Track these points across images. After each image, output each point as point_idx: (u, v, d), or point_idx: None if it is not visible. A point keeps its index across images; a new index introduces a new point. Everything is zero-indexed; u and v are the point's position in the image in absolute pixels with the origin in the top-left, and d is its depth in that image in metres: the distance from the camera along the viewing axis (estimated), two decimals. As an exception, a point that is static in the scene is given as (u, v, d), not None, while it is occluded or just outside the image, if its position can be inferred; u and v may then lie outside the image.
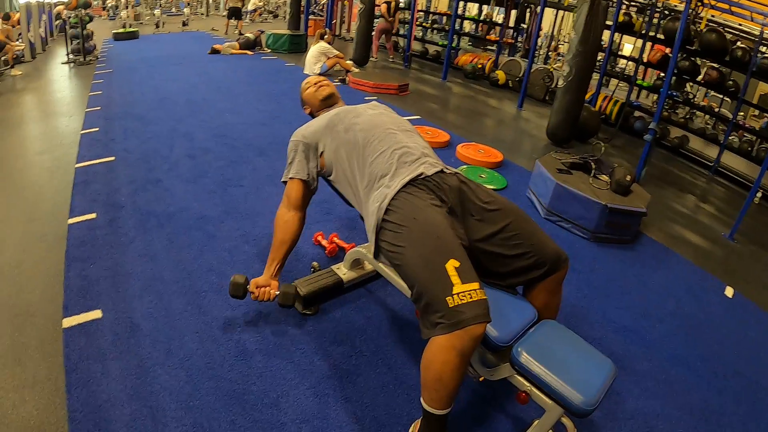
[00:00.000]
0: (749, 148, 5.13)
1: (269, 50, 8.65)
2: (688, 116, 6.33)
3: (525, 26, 9.22)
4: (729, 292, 2.62)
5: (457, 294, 1.20)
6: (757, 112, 7.38)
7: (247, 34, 8.67)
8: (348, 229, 2.63)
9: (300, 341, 1.81)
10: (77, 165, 3.22)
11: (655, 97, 6.52)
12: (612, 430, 1.61)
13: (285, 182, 1.84)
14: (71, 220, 2.51)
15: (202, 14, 15.43)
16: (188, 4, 15.08)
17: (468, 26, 10.97)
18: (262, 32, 8.93)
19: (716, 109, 6.43)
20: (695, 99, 6.82)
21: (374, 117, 1.72)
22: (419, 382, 1.29)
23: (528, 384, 1.36)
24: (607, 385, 1.32)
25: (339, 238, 2.44)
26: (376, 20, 8.25)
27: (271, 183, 3.10)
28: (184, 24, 11.96)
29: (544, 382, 1.30)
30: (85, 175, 3.08)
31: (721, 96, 6.35)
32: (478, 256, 1.47)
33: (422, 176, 1.50)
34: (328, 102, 1.97)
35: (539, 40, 10.03)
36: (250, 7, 14.21)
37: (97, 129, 3.96)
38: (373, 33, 8.13)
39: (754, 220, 3.74)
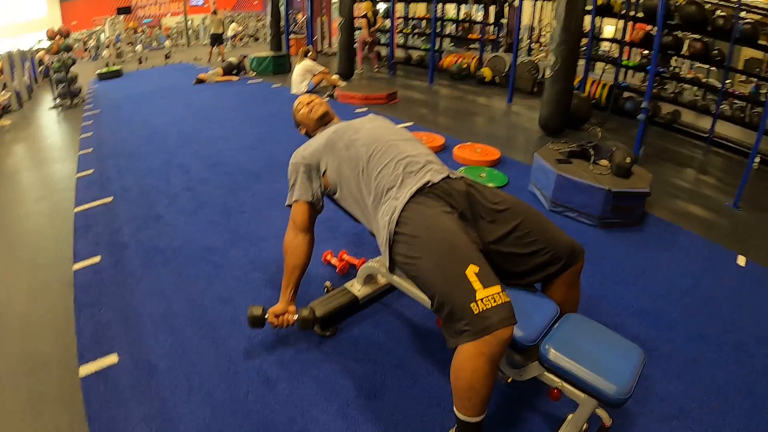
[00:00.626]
0: (742, 115, 5.14)
1: (254, 74, 8.68)
2: (677, 90, 6.35)
3: (504, 21, 9.27)
4: (741, 261, 2.60)
5: (481, 299, 1.18)
6: (744, 78, 7.39)
7: (229, 59, 8.70)
8: (356, 245, 2.60)
9: (322, 363, 1.78)
10: (76, 209, 3.20)
11: (642, 75, 6.54)
12: (646, 415, 1.59)
13: (290, 206, 1.83)
14: (76, 266, 2.49)
15: (183, 45, 15.52)
16: (168, 36, 15.18)
17: (449, 27, 11.03)
18: (245, 56, 8.96)
19: (704, 80, 6.44)
20: (681, 72, 6.84)
21: (374, 130, 1.71)
22: (448, 391, 1.27)
23: (559, 380, 1.34)
24: (638, 371, 1.31)
25: (348, 254, 2.41)
26: (356, 32, 8.28)
27: (272, 206, 3.08)
28: (167, 57, 12.02)
29: (575, 376, 1.28)
30: (85, 218, 3.07)
31: (707, 66, 6.37)
32: (494, 257, 1.45)
33: (429, 184, 1.49)
34: (324, 120, 1.95)
35: (521, 33, 10.07)
36: (229, 33, 14.29)
37: (91, 171, 3.95)
38: (356, 45, 8.16)
39: (755, 186, 3.72)
